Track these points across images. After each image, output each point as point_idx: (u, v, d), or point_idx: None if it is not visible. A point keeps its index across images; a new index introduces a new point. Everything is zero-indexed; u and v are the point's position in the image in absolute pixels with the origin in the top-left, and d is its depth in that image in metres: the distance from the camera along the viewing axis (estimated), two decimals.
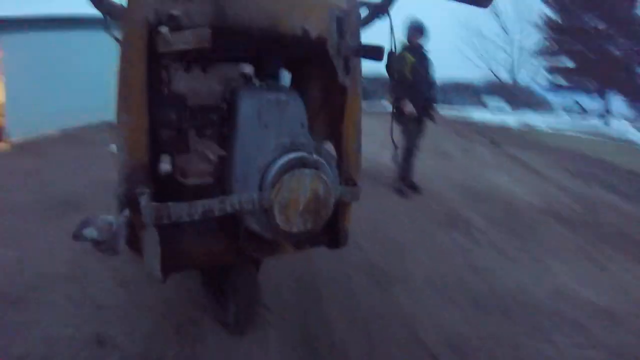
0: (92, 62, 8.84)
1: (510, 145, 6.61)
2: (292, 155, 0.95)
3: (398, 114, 3.34)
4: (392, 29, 1.20)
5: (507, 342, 1.56)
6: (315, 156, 0.98)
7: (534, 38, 17.08)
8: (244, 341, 1.54)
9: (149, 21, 0.86)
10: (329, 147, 1.20)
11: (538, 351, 1.52)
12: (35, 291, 1.94)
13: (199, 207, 0.92)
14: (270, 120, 1.04)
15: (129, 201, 0.92)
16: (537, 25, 16.46)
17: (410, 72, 3.29)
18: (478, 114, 14.13)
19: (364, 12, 1.21)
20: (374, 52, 1.04)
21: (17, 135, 7.72)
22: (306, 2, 1.01)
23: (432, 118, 3.52)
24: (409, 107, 3.28)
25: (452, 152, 5.77)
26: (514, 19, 18.88)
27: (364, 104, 1.33)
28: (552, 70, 16.61)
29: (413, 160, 3.59)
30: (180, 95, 1.08)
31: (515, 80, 19.06)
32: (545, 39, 16.16)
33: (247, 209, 0.94)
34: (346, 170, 1.16)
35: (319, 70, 1.18)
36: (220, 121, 1.16)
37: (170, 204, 0.90)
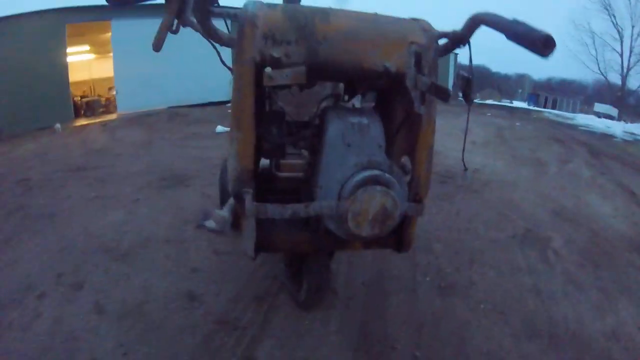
0: (197, 49, 9.71)
1: (609, 158, 6.01)
2: (367, 173, 1.12)
3: None
4: (470, 57, 1.25)
5: None
6: (387, 175, 1.13)
7: None
8: (309, 317, 1.78)
9: (256, 61, 1.07)
10: (406, 160, 1.35)
11: None
12: (139, 249, 2.40)
13: (289, 209, 1.13)
14: (352, 141, 1.21)
15: (236, 196, 1.18)
16: None
17: None
18: (583, 119, 12.95)
19: (443, 42, 1.28)
20: (442, 93, 1.13)
21: (126, 109, 8.91)
22: (387, 40, 1.15)
23: None
24: None
25: (548, 161, 5.42)
26: (627, 16, 17.10)
27: None
28: None
29: None
30: (280, 112, 1.33)
31: (625, 84, 17.23)
32: None
33: (326, 214, 1.14)
34: (415, 188, 1.29)
35: (400, 93, 1.31)
36: (312, 135, 1.38)
37: (267, 205, 1.13)
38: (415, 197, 1.30)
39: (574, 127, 10.41)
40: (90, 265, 2.21)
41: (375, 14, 1.25)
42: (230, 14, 1.21)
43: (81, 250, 2.39)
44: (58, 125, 7.07)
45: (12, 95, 7.18)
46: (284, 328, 1.72)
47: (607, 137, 9.06)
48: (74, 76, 8.94)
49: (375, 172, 1.13)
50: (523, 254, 2.54)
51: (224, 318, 1.76)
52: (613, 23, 17.95)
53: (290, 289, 1.91)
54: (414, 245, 1.39)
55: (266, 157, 1.39)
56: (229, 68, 1.38)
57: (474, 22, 1.20)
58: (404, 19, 1.25)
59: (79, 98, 9.89)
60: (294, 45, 1.08)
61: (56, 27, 7.78)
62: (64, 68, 8.22)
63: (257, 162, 1.26)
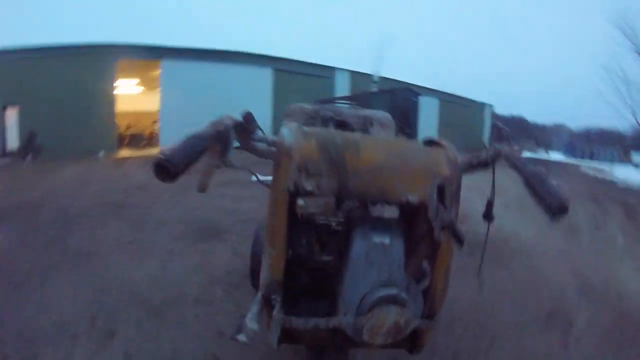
0: (239, 92, 10.33)
1: None
2: (385, 292, 1.23)
3: None
4: (493, 181, 1.33)
5: None
6: (403, 295, 1.23)
7: None
8: None
9: (290, 190, 1.20)
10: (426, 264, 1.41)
11: None
12: (170, 306, 2.54)
13: (311, 322, 1.26)
14: (374, 259, 1.30)
15: (265, 299, 1.31)
16: None
17: None
18: (622, 171, 12.46)
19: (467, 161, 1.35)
20: (458, 237, 1.23)
21: (168, 144, 9.44)
22: (412, 172, 1.26)
23: None
24: None
25: (582, 227, 5.25)
26: None
27: None
28: None
29: None
30: (310, 220, 1.45)
31: None
32: None
33: (345, 327, 1.26)
34: (430, 301, 1.37)
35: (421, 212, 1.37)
36: (338, 243, 1.45)
37: (292, 317, 1.26)
38: (430, 311, 1.36)
39: (610, 183, 10.08)
40: (123, 315, 2.37)
41: (404, 142, 1.39)
42: (269, 141, 1.30)
43: (115, 297, 2.57)
44: (101, 153, 7.56)
45: (61, 120, 7.81)
46: None
47: None
48: (119, 107, 9.59)
49: (393, 291, 1.23)
50: (544, 338, 2.50)
51: None
52: None
53: None
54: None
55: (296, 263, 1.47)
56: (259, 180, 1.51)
57: (498, 155, 1.30)
58: (431, 148, 1.36)
59: (124, 129, 10.56)
60: (325, 177, 1.20)
61: (108, 61, 8.50)
62: (111, 100, 8.87)
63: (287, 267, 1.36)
